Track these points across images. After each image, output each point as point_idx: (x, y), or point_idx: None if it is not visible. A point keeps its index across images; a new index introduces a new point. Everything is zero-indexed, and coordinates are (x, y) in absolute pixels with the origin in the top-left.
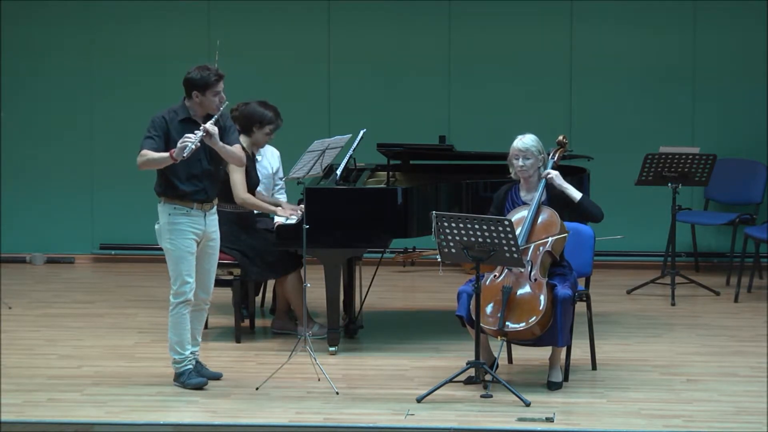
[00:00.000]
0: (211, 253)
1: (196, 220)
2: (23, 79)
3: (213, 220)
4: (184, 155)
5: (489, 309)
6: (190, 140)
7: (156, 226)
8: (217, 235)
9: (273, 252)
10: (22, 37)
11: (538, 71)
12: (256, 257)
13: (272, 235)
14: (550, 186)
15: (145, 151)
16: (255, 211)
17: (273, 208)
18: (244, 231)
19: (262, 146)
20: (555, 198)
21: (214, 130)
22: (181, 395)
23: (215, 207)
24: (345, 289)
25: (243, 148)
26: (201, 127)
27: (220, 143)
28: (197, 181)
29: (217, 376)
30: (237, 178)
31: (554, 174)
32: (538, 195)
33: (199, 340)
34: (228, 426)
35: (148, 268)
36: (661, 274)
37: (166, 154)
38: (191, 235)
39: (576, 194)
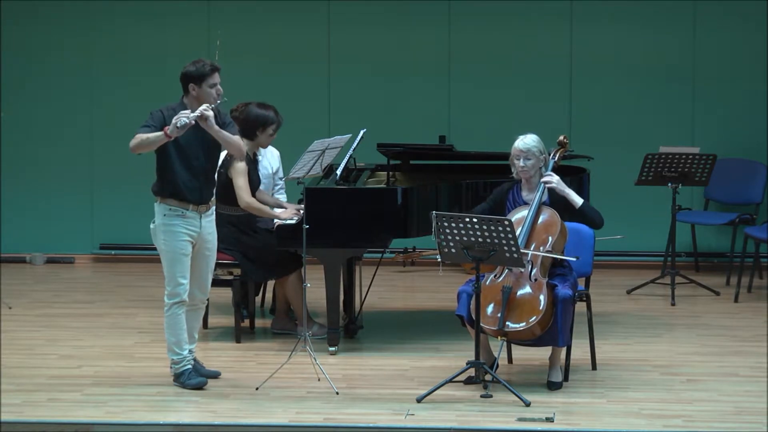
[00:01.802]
0: (207, 254)
1: (191, 222)
2: (23, 79)
3: (209, 222)
4: (178, 127)
5: (489, 309)
6: (186, 115)
7: (151, 225)
8: (213, 237)
9: (273, 253)
10: (22, 37)
11: (538, 71)
12: (256, 258)
13: (272, 236)
14: (551, 190)
15: (139, 134)
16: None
17: (275, 213)
18: (243, 233)
19: (266, 147)
20: (556, 201)
21: (210, 113)
22: (181, 395)
23: (212, 209)
24: (345, 289)
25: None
26: (199, 110)
27: (216, 127)
28: (193, 179)
29: (215, 375)
30: (240, 182)
31: (555, 181)
32: (538, 195)
33: (196, 337)
34: (228, 426)
35: (148, 268)
36: (661, 274)
37: (161, 132)
38: (186, 237)
39: (578, 200)
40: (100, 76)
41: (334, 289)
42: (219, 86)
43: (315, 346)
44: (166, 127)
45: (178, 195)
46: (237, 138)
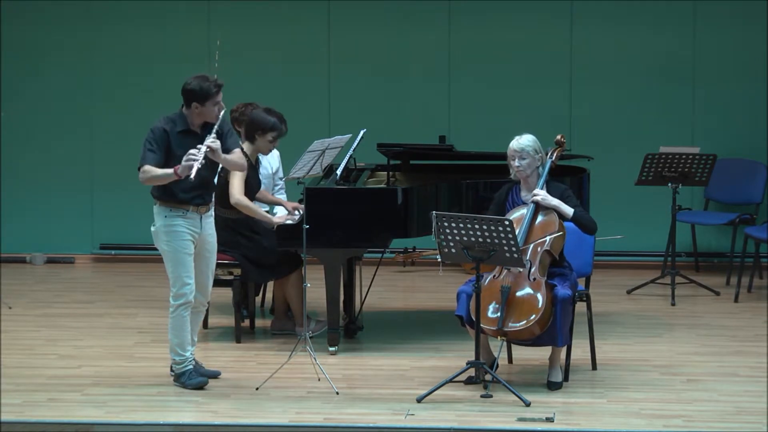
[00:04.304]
0: (208, 256)
1: (193, 222)
2: (23, 79)
3: (209, 223)
4: (191, 175)
5: (488, 309)
6: (195, 159)
7: (152, 228)
8: (213, 237)
9: (273, 253)
10: (22, 37)
11: (538, 71)
12: (256, 259)
13: (272, 236)
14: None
15: (147, 167)
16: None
17: (266, 217)
18: (242, 236)
19: (266, 153)
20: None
21: (217, 145)
22: (181, 395)
23: (211, 210)
24: (345, 289)
25: (246, 155)
26: (204, 144)
27: (223, 156)
28: (193, 189)
29: (215, 375)
30: (235, 181)
31: (541, 196)
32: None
33: (196, 340)
34: (228, 426)
35: (148, 268)
36: (661, 274)
37: (171, 171)
38: (188, 237)
39: (568, 210)
40: (100, 76)
41: (334, 289)
42: (221, 102)
43: (315, 346)
44: (177, 167)
45: (178, 200)
46: (236, 154)
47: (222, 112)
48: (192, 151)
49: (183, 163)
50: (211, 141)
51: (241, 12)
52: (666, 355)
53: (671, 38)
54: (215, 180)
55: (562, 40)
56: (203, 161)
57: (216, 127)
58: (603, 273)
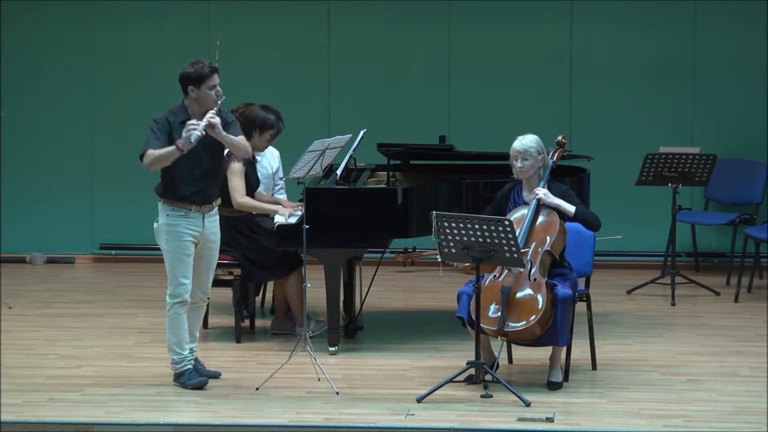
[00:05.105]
0: (210, 254)
1: (194, 222)
2: (23, 79)
3: (213, 222)
4: (192, 142)
5: (489, 309)
6: (195, 128)
7: (155, 224)
8: (217, 237)
9: (272, 254)
10: (22, 37)
11: (538, 71)
12: (256, 259)
13: (272, 236)
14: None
15: (151, 151)
16: (254, 212)
17: (272, 207)
18: (242, 235)
19: (262, 150)
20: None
21: (217, 120)
22: (181, 395)
23: (215, 209)
24: (345, 289)
25: None
26: (205, 118)
27: (224, 133)
28: (197, 182)
29: (216, 375)
30: (235, 182)
31: (542, 194)
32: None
33: (197, 335)
34: (228, 426)
35: (148, 268)
36: (661, 274)
37: (173, 147)
38: (188, 237)
39: (570, 208)
40: (100, 76)
41: (334, 289)
42: (218, 87)
43: (315, 346)
44: (178, 141)
45: (181, 197)
46: (241, 139)
47: (221, 99)
48: (192, 120)
49: (183, 134)
50: (211, 116)
51: (241, 12)
52: (666, 355)
53: (671, 38)
54: (218, 177)
55: (562, 40)
56: (204, 132)
57: (215, 108)
58: (603, 273)
